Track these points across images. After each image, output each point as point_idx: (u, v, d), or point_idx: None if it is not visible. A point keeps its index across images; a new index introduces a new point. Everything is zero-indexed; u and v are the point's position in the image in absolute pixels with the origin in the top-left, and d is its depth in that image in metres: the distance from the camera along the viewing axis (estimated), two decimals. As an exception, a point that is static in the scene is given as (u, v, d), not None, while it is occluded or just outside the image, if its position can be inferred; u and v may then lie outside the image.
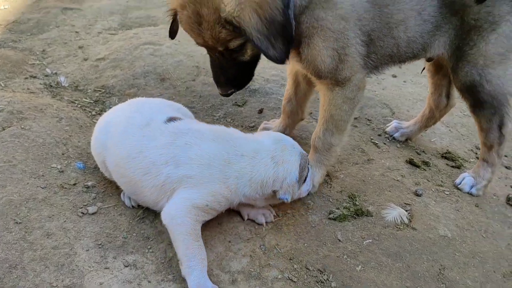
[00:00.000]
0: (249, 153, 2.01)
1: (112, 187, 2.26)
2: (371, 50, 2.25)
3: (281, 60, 1.96)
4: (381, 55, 2.30)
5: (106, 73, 3.23)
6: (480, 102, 2.44)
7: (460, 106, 3.23)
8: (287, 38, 1.93)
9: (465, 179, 2.65)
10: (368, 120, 3.12)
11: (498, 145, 2.56)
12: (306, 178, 2.15)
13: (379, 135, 2.99)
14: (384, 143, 2.91)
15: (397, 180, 2.60)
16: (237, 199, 2.01)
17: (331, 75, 2.18)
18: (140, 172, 1.97)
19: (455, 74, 2.43)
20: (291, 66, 2.56)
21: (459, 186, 2.64)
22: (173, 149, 1.97)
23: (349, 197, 2.42)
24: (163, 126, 2.06)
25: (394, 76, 3.88)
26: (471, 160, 2.97)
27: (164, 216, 1.89)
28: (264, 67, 3.48)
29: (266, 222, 2.18)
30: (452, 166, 2.85)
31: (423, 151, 2.93)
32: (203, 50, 3.40)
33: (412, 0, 2.21)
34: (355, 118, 3.07)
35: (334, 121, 2.31)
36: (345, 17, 2.09)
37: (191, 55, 3.47)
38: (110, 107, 2.88)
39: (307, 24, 2.06)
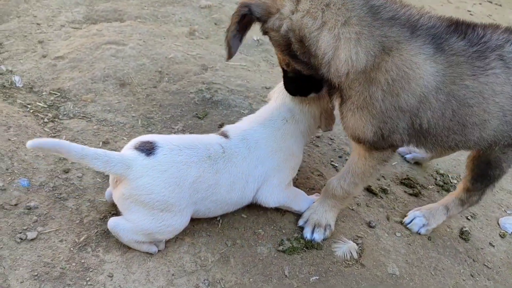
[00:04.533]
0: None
1: (56, 208, 2.18)
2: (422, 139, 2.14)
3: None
4: (437, 144, 2.18)
5: (64, 74, 3.11)
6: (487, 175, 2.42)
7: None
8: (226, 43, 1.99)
9: (416, 219, 2.58)
10: (331, 139, 3.07)
11: (469, 204, 2.55)
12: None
13: (340, 156, 2.95)
14: (343, 165, 2.87)
15: (352, 209, 2.57)
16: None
17: (369, 144, 2.10)
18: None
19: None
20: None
21: (408, 226, 2.59)
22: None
23: (301, 227, 2.38)
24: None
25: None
26: (430, 186, 2.96)
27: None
28: (230, 75, 3.39)
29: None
30: (410, 194, 2.84)
31: (383, 176, 2.90)
32: (168, 53, 3.34)
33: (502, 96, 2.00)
34: (318, 137, 3.01)
35: (363, 177, 2.27)
36: (404, 110, 1.95)
37: (155, 58, 3.36)
38: (65, 114, 2.79)
39: (358, 93, 1.94)
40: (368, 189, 2.74)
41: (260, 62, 3.70)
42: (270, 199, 2.28)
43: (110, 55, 3.29)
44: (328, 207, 2.40)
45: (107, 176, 2.41)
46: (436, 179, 3.03)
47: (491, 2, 7.07)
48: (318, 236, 2.33)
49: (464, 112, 1.99)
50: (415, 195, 2.83)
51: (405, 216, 2.63)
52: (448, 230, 2.67)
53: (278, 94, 2.43)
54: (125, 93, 3.04)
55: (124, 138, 2.71)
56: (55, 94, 2.94)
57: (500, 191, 3.11)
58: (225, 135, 2.23)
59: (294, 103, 2.35)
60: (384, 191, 2.77)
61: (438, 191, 2.94)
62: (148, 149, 1.94)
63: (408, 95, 1.91)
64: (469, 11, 6.35)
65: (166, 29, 3.82)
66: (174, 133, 2.81)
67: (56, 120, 2.76)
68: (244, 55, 3.73)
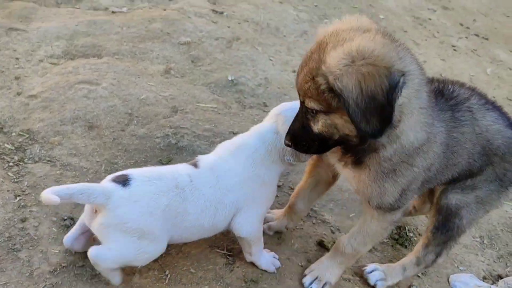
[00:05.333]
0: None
1: (8, 260, 2.26)
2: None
3: (374, 136, 1.90)
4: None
5: (35, 114, 3.20)
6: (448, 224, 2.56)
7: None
8: (385, 118, 1.85)
9: (375, 272, 2.69)
10: (291, 188, 3.15)
11: (425, 264, 2.68)
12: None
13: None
14: (301, 219, 2.95)
15: (301, 266, 2.64)
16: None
17: (383, 207, 2.27)
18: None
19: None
20: (315, 161, 2.58)
21: (367, 275, 2.69)
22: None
23: (245, 281, 2.45)
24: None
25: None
26: (385, 240, 3.02)
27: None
28: (199, 119, 3.47)
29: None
30: (395, 239, 2.91)
31: (338, 229, 2.97)
32: (140, 94, 3.43)
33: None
34: (278, 186, 3.09)
35: (374, 237, 2.46)
36: (428, 169, 2.25)
37: (127, 99, 3.45)
38: (31, 157, 2.88)
39: (392, 164, 2.12)
40: (320, 243, 2.80)
41: (232, 103, 3.78)
42: (243, 228, 2.38)
43: (82, 95, 3.38)
44: (336, 263, 2.54)
45: (63, 225, 2.51)
46: (392, 232, 3.09)
47: (477, 36, 7.13)
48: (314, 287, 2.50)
49: (448, 156, 2.32)
50: (369, 250, 2.89)
51: (365, 266, 2.71)
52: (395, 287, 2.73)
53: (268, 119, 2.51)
54: (93, 136, 3.13)
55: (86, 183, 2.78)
56: (24, 135, 3.03)
57: (458, 247, 3.18)
58: (195, 165, 2.36)
59: (267, 130, 2.42)
60: (337, 245, 2.83)
61: (392, 245, 3.00)
62: (123, 180, 2.12)
63: (431, 163, 2.24)
64: (454, 46, 6.42)
65: (142, 67, 3.91)
66: (136, 179, 2.89)
67: (21, 163, 2.84)
68: (217, 96, 3.81)
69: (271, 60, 4.53)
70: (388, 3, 7.17)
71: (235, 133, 3.41)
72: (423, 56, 5.81)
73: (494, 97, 5.22)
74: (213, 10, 5.15)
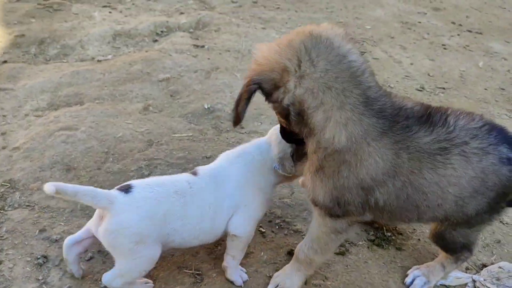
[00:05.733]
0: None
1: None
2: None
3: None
4: (393, 218, 2.43)
5: (17, 164, 3.39)
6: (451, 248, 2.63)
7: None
8: (235, 113, 2.23)
9: (417, 280, 2.73)
10: (280, 198, 3.21)
11: (462, 260, 2.72)
12: None
13: (270, 221, 3.07)
14: (272, 231, 2.99)
15: (269, 276, 2.68)
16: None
17: (325, 209, 2.29)
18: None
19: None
20: None
21: (409, 287, 2.74)
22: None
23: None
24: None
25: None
26: (360, 242, 3.02)
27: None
28: (173, 149, 3.60)
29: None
30: (336, 253, 2.91)
31: (311, 237, 2.99)
32: (117, 133, 3.58)
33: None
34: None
35: (319, 243, 2.45)
36: (364, 188, 2.19)
37: (104, 139, 3.61)
38: (11, 204, 3.05)
39: (329, 166, 2.16)
40: (290, 253, 2.83)
41: (209, 130, 3.90)
42: (239, 227, 2.55)
43: (61, 141, 3.56)
44: (294, 270, 2.57)
45: (36, 264, 2.64)
46: (368, 234, 3.09)
47: (470, 31, 7.08)
48: None
49: (419, 197, 2.22)
50: (342, 253, 2.91)
51: (326, 278, 2.71)
52: (369, 288, 2.72)
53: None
54: (70, 178, 3.29)
55: (62, 223, 2.93)
56: (6, 185, 3.21)
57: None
58: (195, 173, 2.57)
59: (263, 142, 2.68)
60: (309, 253, 2.86)
61: (368, 247, 3.00)
62: (126, 188, 2.34)
63: (371, 178, 2.14)
64: (444, 45, 6.40)
65: (121, 107, 4.09)
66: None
67: (1, 211, 3.01)
68: (194, 125, 3.94)
69: (249, 84, 4.64)
70: (376, 13, 7.25)
71: (208, 158, 3.52)
72: (410, 59, 5.83)
73: (486, 89, 5.20)
74: (194, 45, 5.36)
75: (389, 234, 3.13)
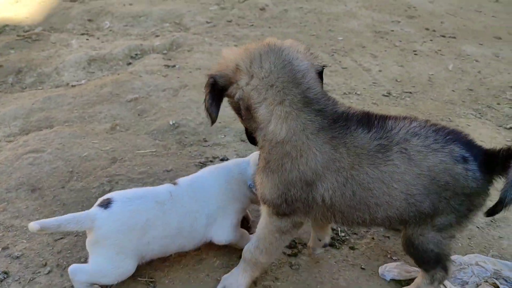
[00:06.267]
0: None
1: None
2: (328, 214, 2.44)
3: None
4: (347, 220, 2.46)
5: (-15, 188, 3.51)
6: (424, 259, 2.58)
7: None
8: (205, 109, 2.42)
9: None
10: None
11: (438, 281, 2.65)
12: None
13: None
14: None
15: (219, 280, 2.76)
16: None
17: (273, 206, 2.42)
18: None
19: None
20: None
21: None
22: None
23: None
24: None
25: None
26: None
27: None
28: (136, 164, 3.71)
29: None
30: (289, 255, 2.99)
31: (265, 241, 3.07)
32: (82, 153, 3.69)
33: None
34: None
35: (264, 242, 2.56)
36: (308, 183, 2.31)
37: (69, 159, 3.73)
38: (-24, 227, 3.15)
39: (274, 159, 2.32)
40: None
41: (173, 144, 4.02)
42: (222, 237, 2.78)
43: (27, 163, 3.69)
44: (241, 271, 2.66)
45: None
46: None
47: (444, 36, 7.21)
48: None
49: (365, 194, 2.31)
50: (294, 255, 2.98)
51: (276, 278, 2.79)
52: (318, 287, 2.79)
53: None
54: (35, 198, 3.40)
55: (24, 241, 3.04)
56: (-27, 208, 3.33)
57: (392, 237, 3.22)
58: (175, 184, 2.78)
59: (243, 160, 2.93)
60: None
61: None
62: (106, 204, 2.52)
63: (312, 172, 2.27)
64: (415, 51, 6.52)
65: (89, 128, 4.22)
66: (72, 229, 3.12)
67: (-32, 235, 3.12)
68: (158, 141, 4.06)
69: (216, 99, 4.77)
70: (350, 24, 7.40)
71: (169, 171, 3.63)
72: (379, 66, 5.95)
73: (453, 90, 5.30)
74: (165, 65, 5.51)
75: (343, 234, 3.21)
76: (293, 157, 2.27)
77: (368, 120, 2.32)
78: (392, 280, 2.89)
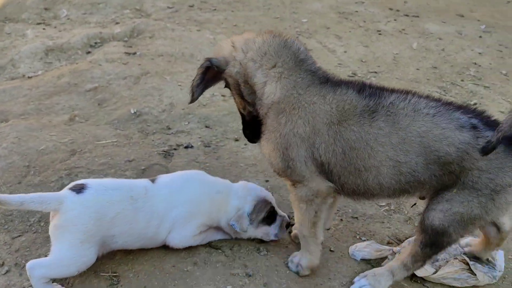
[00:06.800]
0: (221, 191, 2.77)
1: None
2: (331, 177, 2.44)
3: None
4: (347, 187, 2.45)
5: None
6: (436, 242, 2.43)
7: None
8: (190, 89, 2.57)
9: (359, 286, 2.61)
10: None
11: (413, 269, 2.57)
12: (269, 222, 2.79)
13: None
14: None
15: (187, 271, 2.67)
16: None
17: (284, 174, 2.48)
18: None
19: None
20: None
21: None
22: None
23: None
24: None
25: (236, 140, 3.96)
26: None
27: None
28: (96, 156, 3.58)
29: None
30: (257, 242, 2.92)
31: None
32: (39, 146, 3.54)
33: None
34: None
35: (299, 215, 2.58)
36: (302, 137, 2.37)
37: (26, 153, 3.57)
38: None
39: (271, 121, 2.43)
40: (211, 245, 2.84)
41: (134, 134, 3.89)
42: (178, 244, 2.72)
43: (-19, 160, 3.51)
44: (302, 248, 2.72)
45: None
46: (291, 218, 3.11)
47: (407, 16, 7.23)
48: (293, 268, 2.71)
49: (353, 154, 2.31)
50: (263, 242, 2.92)
51: (245, 265, 2.72)
52: (288, 272, 2.73)
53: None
54: (-11, 195, 3.24)
55: (-21, 238, 2.89)
56: None
57: (361, 218, 3.19)
58: (153, 181, 2.69)
59: (237, 189, 2.83)
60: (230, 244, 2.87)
61: (290, 232, 3.02)
62: (79, 188, 2.43)
63: (304, 124, 2.35)
64: (379, 31, 6.51)
65: (46, 121, 4.05)
66: (30, 225, 2.98)
67: None
68: (120, 131, 3.93)
69: (179, 85, 4.66)
70: (313, 6, 7.34)
71: (131, 161, 3.52)
72: (344, 47, 5.92)
73: (418, 69, 5.30)
74: (126, 53, 5.34)
75: (311, 217, 3.15)
76: (287, 112, 2.36)
77: (359, 85, 2.39)
78: (362, 260, 2.85)
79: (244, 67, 2.44)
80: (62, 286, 2.52)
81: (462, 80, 5.21)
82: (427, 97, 2.33)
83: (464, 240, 2.87)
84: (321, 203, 2.51)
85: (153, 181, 2.68)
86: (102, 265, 2.70)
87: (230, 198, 2.76)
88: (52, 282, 2.46)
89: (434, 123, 2.21)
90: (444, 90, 4.96)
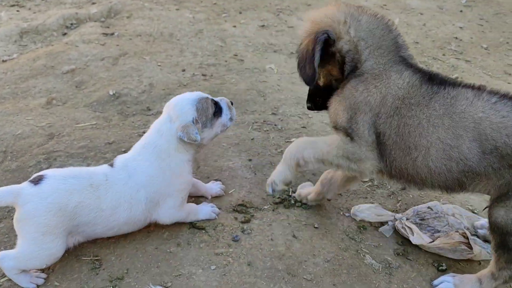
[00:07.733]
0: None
1: None
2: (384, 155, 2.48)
3: (305, 81, 2.53)
4: (395, 165, 2.45)
5: None
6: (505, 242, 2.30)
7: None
8: (311, 67, 2.42)
9: (443, 284, 2.52)
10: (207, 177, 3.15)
11: (502, 280, 2.40)
12: (219, 113, 2.72)
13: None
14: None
15: (170, 252, 2.65)
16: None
17: (343, 130, 2.49)
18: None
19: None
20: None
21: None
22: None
23: (110, 281, 2.46)
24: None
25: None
26: (265, 207, 3.02)
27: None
28: (75, 139, 3.51)
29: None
30: (241, 221, 2.90)
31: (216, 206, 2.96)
32: (16, 131, 3.45)
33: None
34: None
35: (327, 149, 2.54)
36: (371, 106, 2.41)
37: (2, 138, 3.49)
38: None
39: (349, 87, 2.48)
40: (194, 226, 2.81)
41: (114, 116, 3.82)
42: (166, 219, 2.69)
43: (-45, 148, 3.42)
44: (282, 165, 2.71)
45: None
46: (274, 197, 3.09)
47: (384, -9, 7.16)
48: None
49: (405, 130, 2.34)
50: (247, 221, 2.89)
51: (229, 245, 2.70)
52: (272, 249, 2.72)
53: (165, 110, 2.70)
54: (-34, 181, 3.16)
55: None
56: None
57: (344, 194, 3.18)
58: (112, 165, 2.59)
59: (161, 123, 2.65)
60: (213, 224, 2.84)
61: (273, 210, 3.00)
62: (37, 180, 2.34)
63: (377, 94, 2.40)
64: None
65: (23, 104, 3.96)
66: (8, 211, 2.92)
67: None
68: (98, 113, 3.85)
69: (159, 65, 4.57)
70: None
71: (111, 143, 3.45)
72: (326, 23, 5.84)
73: (399, 44, 5.25)
74: (103, 33, 5.23)
75: (294, 194, 3.13)
76: (368, 81, 2.42)
77: (433, 75, 2.44)
78: (349, 231, 2.87)
79: (355, 44, 2.43)
80: (42, 272, 2.48)
81: (444, 55, 5.20)
82: (497, 92, 2.27)
83: (479, 222, 2.86)
84: (351, 168, 2.53)
85: (111, 165, 2.59)
86: (84, 249, 2.66)
87: (171, 130, 2.59)
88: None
89: (494, 110, 2.16)
90: (426, 65, 4.95)
